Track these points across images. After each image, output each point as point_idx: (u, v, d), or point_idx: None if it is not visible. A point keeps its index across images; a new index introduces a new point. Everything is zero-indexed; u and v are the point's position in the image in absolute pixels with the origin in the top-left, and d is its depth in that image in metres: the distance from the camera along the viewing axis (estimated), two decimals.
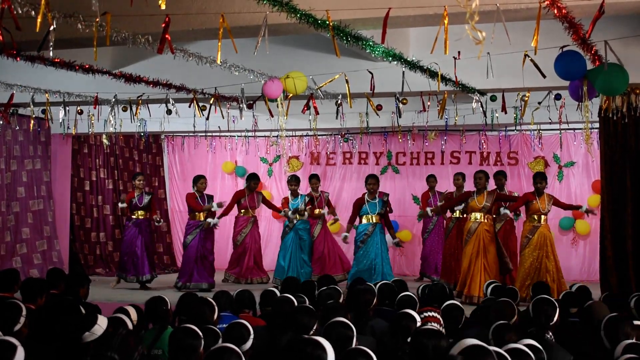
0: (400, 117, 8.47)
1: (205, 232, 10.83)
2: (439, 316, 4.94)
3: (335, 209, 12.08)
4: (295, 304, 5.01)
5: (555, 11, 4.89)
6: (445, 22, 4.80)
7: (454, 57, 6.52)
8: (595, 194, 11.95)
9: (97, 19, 5.09)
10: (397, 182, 13.49)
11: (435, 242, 11.91)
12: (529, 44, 5.19)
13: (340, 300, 5.78)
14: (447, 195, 11.61)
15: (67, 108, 9.59)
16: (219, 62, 5.88)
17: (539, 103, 8.71)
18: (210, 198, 11.04)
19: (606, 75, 5.93)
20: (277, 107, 8.04)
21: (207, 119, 9.06)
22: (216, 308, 4.81)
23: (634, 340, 3.95)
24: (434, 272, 11.81)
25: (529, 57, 5.99)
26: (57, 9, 5.27)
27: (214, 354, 3.42)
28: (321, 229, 11.55)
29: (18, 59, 7.06)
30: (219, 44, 5.30)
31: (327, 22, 5.24)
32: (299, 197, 11.26)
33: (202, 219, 10.84)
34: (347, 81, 7.52)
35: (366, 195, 10.31)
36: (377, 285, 6.08)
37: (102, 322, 4.02)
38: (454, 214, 10.93)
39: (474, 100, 8.29)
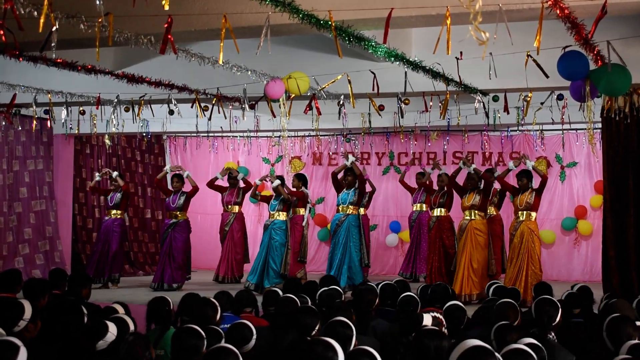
0: (402, 117, 8.47)
1: (175, 231, 10.69)
2: (441, 317, 4.93)
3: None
4: (299, 304, 5.01)
5: (558, 11, 4.89)
6: (448, 22, 4.80)
7: (456, 57, 6.52)
8: (598, 194, 11.93)
9: (100, 20, 5.09)
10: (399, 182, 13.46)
11: (414, 239, 12.02)
12: (531, 44, 5.19)
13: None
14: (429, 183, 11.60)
15: (70, 108, 9.58)
16: (221, 62, 5.89)
17: (542, 103, 8.70)
18: (182, 195, 10.83)
19: (609, 76, 5.92)
20: (280, 107, 8.04)
21: (209, 119, 9.07)
22: (219, 308, 4.81)
23: (637, 341, 3.94)
24: (405, 268, 12.02)
25: (531, 57, 5.98)
26: (60, 9, 5.27)
27: (211, 354, 3.41)
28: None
29: (21, 59, 7.09)
30: (221, 44, 5.30)
31: (330, 23, 5.24)
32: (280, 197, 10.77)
33: (173, 218, 10.74)
34: (349, 82, 7.52)
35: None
36: (379, 286, 6.08)
37: (112, 329, 4.04)
38: (433, 212, 10.94)
39: (476, 101, 8.28)
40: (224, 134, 13.47)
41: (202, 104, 8.78)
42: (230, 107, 9.42)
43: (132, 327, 4.49)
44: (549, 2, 4.77)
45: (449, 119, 9.63)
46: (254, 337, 4.10)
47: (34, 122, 10.04)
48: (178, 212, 10.67)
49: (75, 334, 4.06)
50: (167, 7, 4.45)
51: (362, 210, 11.10)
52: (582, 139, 12.30)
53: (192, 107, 8.87)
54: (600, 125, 9.00)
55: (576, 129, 11.96)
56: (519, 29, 5.59)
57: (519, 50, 6.13)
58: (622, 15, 6.17)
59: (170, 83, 8.36)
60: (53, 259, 11.77)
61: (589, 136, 8.10)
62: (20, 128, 11.29)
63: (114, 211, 10.88)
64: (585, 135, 12.03)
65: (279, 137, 13.42)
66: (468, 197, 9.51)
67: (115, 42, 5.81)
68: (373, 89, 7.47)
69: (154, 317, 4.94)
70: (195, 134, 13.37)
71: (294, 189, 11.20)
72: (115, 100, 9.19)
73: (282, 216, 10.57)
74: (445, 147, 13.03)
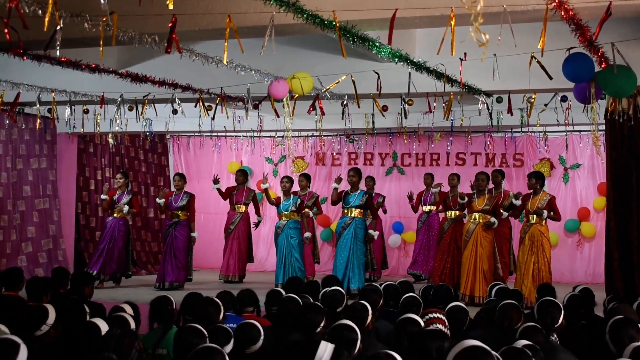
0: (406, 118, 8.47)
1: (176, 230, 10.65)
2: (443, 317, 4.92)
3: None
4: (301, 303, 5.01)
5: (562, 13, 4.88)
6: (452, 23, 4.80)
7: (460, 58, 6.51)
8: (601, 196, 11.91)
9: (104, 19, 5.10)
10: (403, 183, 13.45)
11: (422, 239, 11.98)
12: (535, 46, 5.18)
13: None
14: (440, 193, 11.48)
15: (73, 107, 9.60)
16: (225, 62, 5.90)
17: (545, 105, 8.69)
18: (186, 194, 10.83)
19: (616, 78, 5.91)
20: (283, 107, 8.04)
21: (213, 119, 9.07)
22: (222, 308, 4.81)
23: None
24: (412, 265, 12.04)
25: (535, 58, 5.98)
26: (64, 8, 5.28)
27: (198, 354, 3.35)
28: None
29: (25, 58, 7.09)
30: (226, 44, 5.30)
31: (334, 23, 5.24)
32: (291, 197, 10.68)
33: (174, 218, 10.70)
34: (354, 82, 7.52)
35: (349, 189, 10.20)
36: (383, 286, 6.07)
37: (102, 326, 4.03)
38: (449, 215, 10.87)
39: (479, 102, 8.27)
40: (228, 134, 13.48)
41: (206, 104, 8.78)
42: (234, 106, 9.43)
43: (132, 326, 4.49)
44: (554, 4, 4.76)
45: (452, 120, 9.62)
46: (262, 337, 4.10)
47: (38, 120, 10.06)
48: (179, 212, 10.67)
49: (77, 332, 4.06)
50: (171, 7, 4.46)
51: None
52: (585, 141, 12.28)
53: (195, 106, 8.88)
54: (603, 127, 8.99)
55: (580, 131, 11.94)
56: (523, 30, 5.59)
57: (523, 51, 6.12)
58: (626, 17, 6.17)
59: (174, 82, 8.36)
60: (56, 257, 11.77)
61: (594, 138, 8.08)
62: (24, 127, 11.31)
63: (120, 211, 10.77)
64: (588, 137, 12.03)
65: (283, 137, 13.44)
66: (479, 201, 9.50)
67: (119, 41, 5.82)
68: (376, 90, 7.47)
69: (156, 316, 4.94)
70: (198, 134, 13.40)
71: (302, 189, 11.34)
72: (119, 99, 9.20)
73: (295, 216, 10.59)
74: (449, 148, 13.02)
